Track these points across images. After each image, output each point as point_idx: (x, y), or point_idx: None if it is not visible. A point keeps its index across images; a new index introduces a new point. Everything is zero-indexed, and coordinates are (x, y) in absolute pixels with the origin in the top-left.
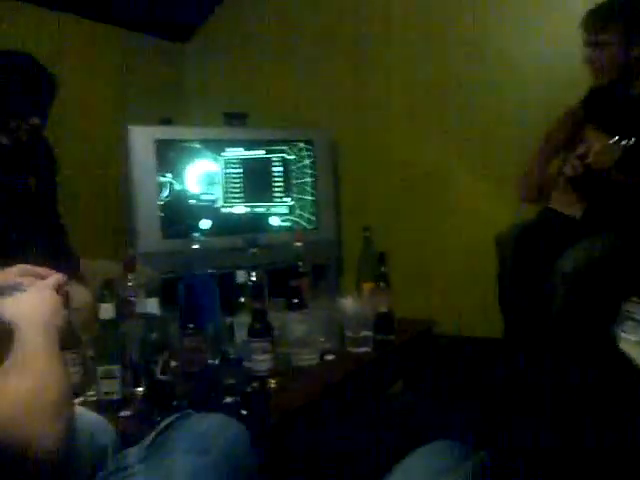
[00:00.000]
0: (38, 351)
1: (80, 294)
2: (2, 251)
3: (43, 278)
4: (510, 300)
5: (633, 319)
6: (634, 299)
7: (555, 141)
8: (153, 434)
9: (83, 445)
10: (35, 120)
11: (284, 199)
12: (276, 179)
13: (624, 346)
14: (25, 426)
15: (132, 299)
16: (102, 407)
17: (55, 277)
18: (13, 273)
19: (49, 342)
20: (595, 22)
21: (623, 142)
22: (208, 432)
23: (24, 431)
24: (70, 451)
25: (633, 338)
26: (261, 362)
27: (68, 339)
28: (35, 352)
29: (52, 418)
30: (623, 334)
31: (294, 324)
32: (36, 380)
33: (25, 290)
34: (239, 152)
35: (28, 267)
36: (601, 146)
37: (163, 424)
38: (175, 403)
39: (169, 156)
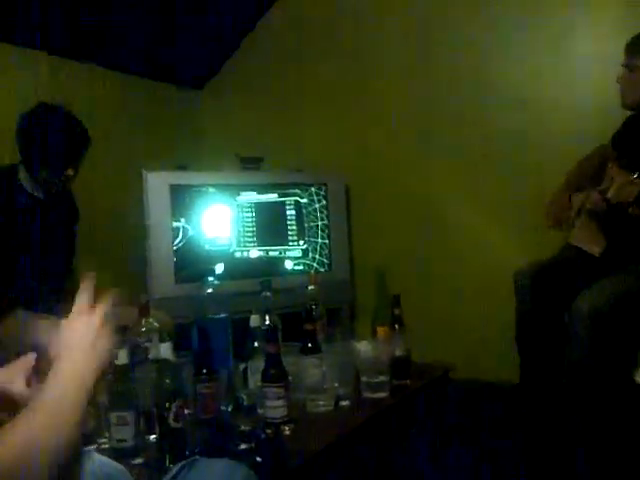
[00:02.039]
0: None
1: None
2: (23, 301)
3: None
4: (528, 339)
5: None
6: None
7: (582, 173)
8: None
9: None
10: (70, 172)
11: (298, 242)
12: (289, 222)
13: None
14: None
15: (145, 344)
16: (115, 454)
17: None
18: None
19: (79, 390)
20: (633, 46)
21: None
22: (219, 478)
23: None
24: None
25: None
26: (275, 408)
27: None
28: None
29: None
30: None
31: (309, 369)
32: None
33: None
34: (253, 196)
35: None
36: (622, 181)
37: (171, 473)
38: (188, 451)
39: (184, 201)
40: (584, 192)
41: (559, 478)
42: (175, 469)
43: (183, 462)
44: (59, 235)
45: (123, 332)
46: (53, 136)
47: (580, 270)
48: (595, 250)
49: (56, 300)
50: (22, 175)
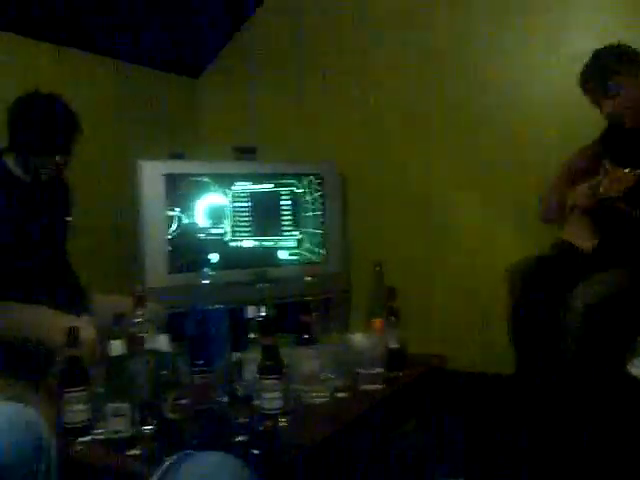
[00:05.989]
0: None
1: (83, 330)
2: (12, 287)
3: None
4: (522, 334)
5: None
6: None
7: (574, 167)
8: (155, 477)
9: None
10: (59, 159)
11: (292, 232)
12: (284, 212)
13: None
14: None
15: (141, 335)
16: (110, 445)
17: None
18: None
19: None
20: (599, 72)
21: (636, 171)
22: (210, 472)
23: None
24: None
25: None
26: (271, 400)
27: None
28: None
29: None
30: (636, 370)
31: (304, 360)
32: None
33: None
34: (248, 186)
35: None
36: (613, 176)
37: (164, 466)
38: (184, 442)
39: (178, 190)
40: (577, 186)
41: (554, 469)
42: (167, 463)
43: (175, 455)
44: (50, 223)
45: (118, 322)
46: (42, 121)
47: (573, 266)
48: (587, 246)
49: (47, 288)
50: (9, 159)
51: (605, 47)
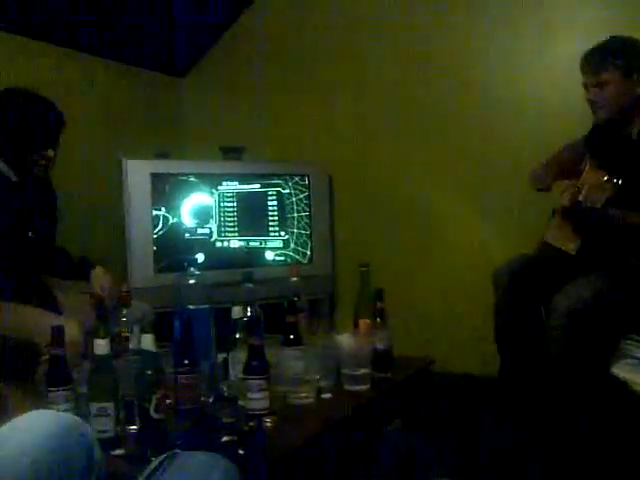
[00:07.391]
0: None
1: (68, 329)
2: (6, 285)
3: None
4: (506, 335)
5: (631, 357)
6: (633, 336)
7: (564, 158)
8: (142, 477)
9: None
10: (50, 153)
11: (279, 233)
12: (271, 213)
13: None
14: None
15: (126, 334)
16: None
17: None
18: None
19: None
20: (595, 62)
21: (614, 180)
22: (197, 473)
23: None
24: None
25: (630, 376)
26: (257, 400)
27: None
28: None
29: None
30: (621, 372)
31: (290, 361)
32: None
33: None
34: (235, 186)
35: None
36: (592, 182)
37: (151, 466)
38: (169, 442)
39: (164, 190)
40: (563, 183)
41: (538, 470)
42: (154, 463)
43: (163, 456)
44: (39, 220)
45: (103, 321)
46: (26, 116)
47: (557, 268)
48: (570, 248)
49: (36, 286)
50: None
51: (616, 37)
